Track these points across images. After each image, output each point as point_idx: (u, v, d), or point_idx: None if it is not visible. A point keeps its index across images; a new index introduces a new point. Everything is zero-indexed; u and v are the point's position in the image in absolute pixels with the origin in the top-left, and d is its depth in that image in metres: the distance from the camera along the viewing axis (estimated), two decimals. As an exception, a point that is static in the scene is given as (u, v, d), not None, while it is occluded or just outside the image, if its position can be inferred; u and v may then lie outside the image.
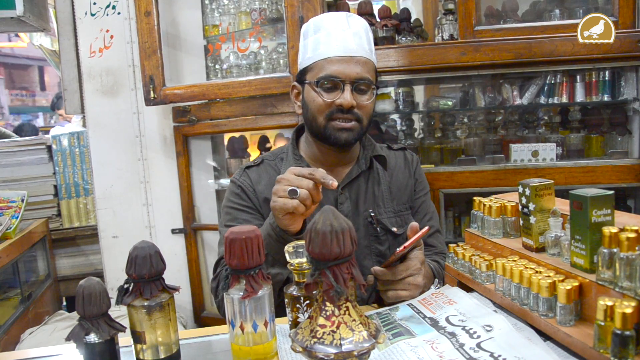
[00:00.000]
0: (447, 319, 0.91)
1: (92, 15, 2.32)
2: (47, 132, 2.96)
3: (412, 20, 2.21)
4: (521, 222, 0.92)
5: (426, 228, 1.05)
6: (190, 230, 2.34)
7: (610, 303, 0.65)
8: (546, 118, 2.19)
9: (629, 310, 0.63)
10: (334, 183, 0.96)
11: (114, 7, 2.31)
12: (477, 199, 1.07)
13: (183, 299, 2.37)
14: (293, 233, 1.04)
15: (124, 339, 0.91)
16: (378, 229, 1.28)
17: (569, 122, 2.12)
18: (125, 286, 0.83)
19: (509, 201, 1.00)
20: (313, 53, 1.24)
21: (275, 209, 1.01)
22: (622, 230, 0.70)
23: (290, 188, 0.97)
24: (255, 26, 2.25)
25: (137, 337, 0.82)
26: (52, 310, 2.49)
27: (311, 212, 1.02)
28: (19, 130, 4.87)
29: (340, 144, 1.23)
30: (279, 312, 0.95)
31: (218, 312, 2.37)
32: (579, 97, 2.01)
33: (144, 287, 0.81)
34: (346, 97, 1.18)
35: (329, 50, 1.21)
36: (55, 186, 2.70)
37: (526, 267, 0.84)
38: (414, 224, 1.07)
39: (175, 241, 2.38)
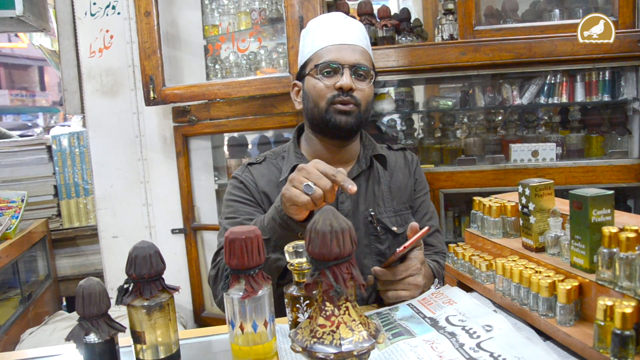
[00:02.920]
0: (447, 319, 0.91)
1: (92, 15, 2.32)
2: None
3: (412, 20, 2.21)
4: (521, 222, 0.92)
5: (426, 228, 1.05)
6: (190, 230, 2.34)
7: (610, 303, 0.65)
8: (546, 118, 2.19)
9: (628, 310, 0.63)
10: (352, 188, 0.93)
11: (113, 7, 2.31)
12: (477, 199, 1.07)
13: (183, 299, 2.37)
14: (298, 220, 1.02)
15: (124, 339, 0.91)
16: (378, 228, 1.28)
17: (568, 122, 2.12)
18: (125, 286, 0.83)
19: (508, 201, 1.00)
20: (312, 47, 1.28)
21: (285, 197, 0.99)
22: (622, 230, 0.70)
23: (307, 183, 0.95)
24: (255, 26, 2.25)
25: (137, 337, 0.82)
26: (52, 310, 2.49)
27: (320, 207, 1.00)
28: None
29: (341, 127, 1.23)
30: (279, 311, 0.95)
31: (218, 312, 2.38)
32: (579, 97, 2.01)
33: (143, 287, 0.81)
34: (345, 79, 1.21)
35: (327, 40, 1.25)
36: (55, 186, 2.70)
37: (526, 267, 0.84)
38: (414, 224, 1.07)
39: (175, 241, 2.38)
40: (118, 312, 1.79)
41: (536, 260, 0.86)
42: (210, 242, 2.41)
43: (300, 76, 1.32)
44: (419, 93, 2.53)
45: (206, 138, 2.40)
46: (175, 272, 2.37)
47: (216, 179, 2.45)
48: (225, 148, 2.58)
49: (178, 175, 2.34)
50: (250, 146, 2.60)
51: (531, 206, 0.89)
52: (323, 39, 1.26)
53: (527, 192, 0.89)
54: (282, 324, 0.94)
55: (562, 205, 0.90)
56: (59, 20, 2.44)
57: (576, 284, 0.75)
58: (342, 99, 1.22)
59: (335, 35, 1.25)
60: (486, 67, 1.96)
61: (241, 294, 0.75)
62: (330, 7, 2.16)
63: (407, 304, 1.03)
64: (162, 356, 0.83)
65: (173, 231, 2.38)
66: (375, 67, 1.33)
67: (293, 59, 1.97)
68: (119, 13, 2.31)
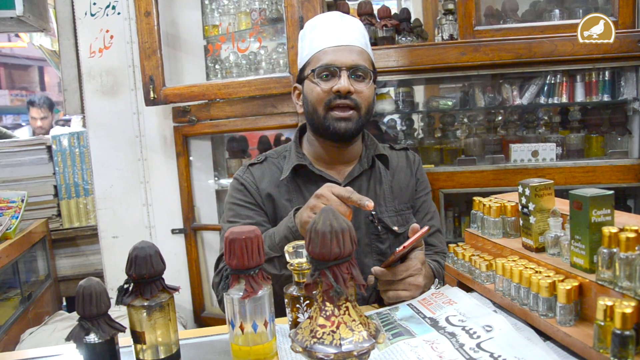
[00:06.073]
0: (447, 319, 0.91)
1: (92, 15, 2.32)
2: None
3: (412, 20, 2.20)
4: (521, 222, 0.92)
5: (426, 228, 1.05)
6: (190, 230, 2.34)
7: (610, 303, 0.65)
8: (546, 118, 2.19)
9: (628, 310, 0.63)
10: (369, 204, 0.99)
11: (113, 7, 2.31)
12: (477, 199, 1.07)
13: (183, 299, 2.37)
14: None
15: (124, 339, 0.91)
16: (379, 227, 1.28)
17: (568, 122, 2.12)
18: (125, 286, 0.83)
19: (508, 201, 1.00)
20: (310, 49, 1.27)
21: (308, 224, 1.03)
22: (622, 230, 0.70)
23: None
24: (255, 26, 2.25)
25: (137, 337, 0.82)
26: (52, 310, 2.49)
27: None
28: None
29: (340, 133, 1.23)
30: (279, 312, 0.95)
31: (218, 312, 2.38)
32: (579, 97, 2.01)
33: (144, 287, 0.81)
34: (342, 82, 1.20)
35: (324, 42, 1.24)
36: (55, 186, 2.70)
37: (526, 267, 0.84)
38: (416, 225, 1.07)
39: (175, 241, 2.38)
40: (118, 312, 1.79)
41: (536, 261, 0.86)
42: (210, 242, 2.41)
43: (300, 79, 1.31)
44: (419, 93, 2.53)
45: (206, 138, 2.40)
46: (175, 272, 2.37)
47: (216, 179, 2.45)
48: (225, 148, 2.57)
49: (178, 175, 2.33)
50: (250, 146, 2.60)
51: (531, 206, 0.89)
52: (320, 41, 1.25)
53: (527, 192, 0.89)
54: (282, 324, 0.94)
55: (562, 205, 0.90)
56: (59, 20, 2.44)
57: (576, 284, 0.75)
58: (340, 102, 1.21)
59: (332, 36, 1.24)
60: (486, 67, 1.96)
61: (241, 294, 0.75)
62: (330, 7, 2.15)
63: (407, 304, 1.03)
64: (162, 356, 0.83)
65: (173, 231, 2.38)
66: (376, 67, 1.32)
67: (293, 59, 1.97)
68: (119, 13, 2.31)
